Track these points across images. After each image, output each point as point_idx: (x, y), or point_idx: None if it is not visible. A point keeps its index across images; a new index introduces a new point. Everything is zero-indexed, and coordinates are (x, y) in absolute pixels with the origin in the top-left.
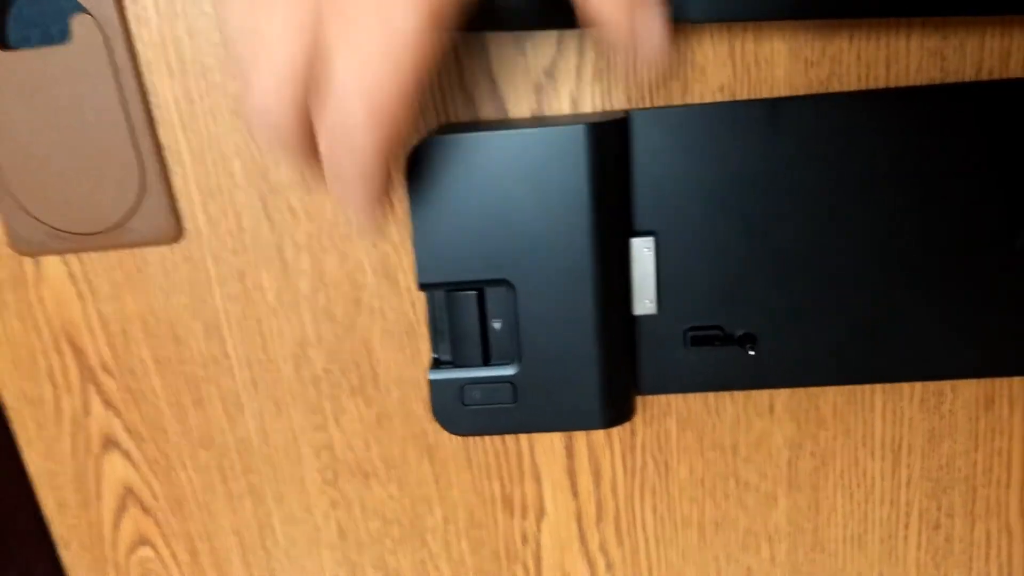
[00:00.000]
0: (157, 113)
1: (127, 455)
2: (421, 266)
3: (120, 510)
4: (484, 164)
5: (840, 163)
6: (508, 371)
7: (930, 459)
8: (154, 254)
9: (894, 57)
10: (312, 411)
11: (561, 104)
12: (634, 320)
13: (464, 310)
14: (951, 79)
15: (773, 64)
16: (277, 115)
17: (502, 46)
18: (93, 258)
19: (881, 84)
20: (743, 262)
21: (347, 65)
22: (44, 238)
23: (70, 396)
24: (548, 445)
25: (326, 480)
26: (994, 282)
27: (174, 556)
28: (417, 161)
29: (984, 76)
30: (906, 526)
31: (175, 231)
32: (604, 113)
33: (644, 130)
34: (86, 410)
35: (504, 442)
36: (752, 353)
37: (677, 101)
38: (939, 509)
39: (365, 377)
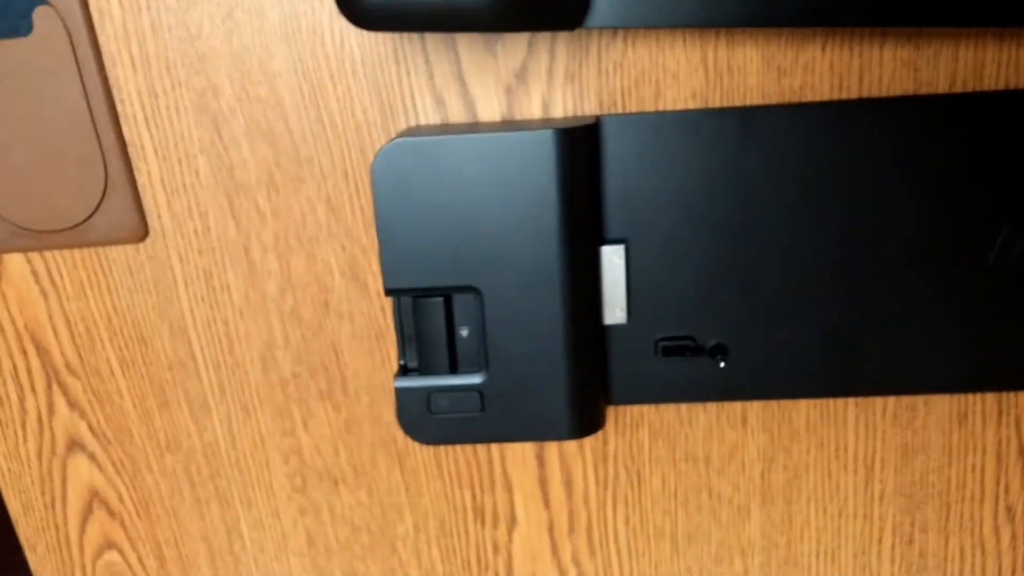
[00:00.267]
0: (121, 108)
1: (92, 457)
2: (387, 271)
3: (86, 513)
4: (452, 168)
5: (813, 173)
6: (475, 379)
7: (903, 474)
8: (119, 253)
9: (867, 67)
10: (280, 415)
11: (532, 106)
12: (604, 329)
13: (431, 316)
14: (924, 90)
15: (746, 72)
16: None
17: (472, 47)
18: (57, 256)
19: (854, 94)
20: (715, 272)
21: None
22: (6, 235)
23: (35, 396)
24: (519, 454)
25: (294, 486)
26: (967, 297)
27: (141, 561)
28: (384, 164)
29: (958, 88)
30: (879, 541)
31: (140, 230)
32: (575, 119)
33: (615, 136)
34: (51, 411)
35: (475, 450)
36: (723, 365)
37: (649, 107)
38: (913, 524)
39: (334, 381)
